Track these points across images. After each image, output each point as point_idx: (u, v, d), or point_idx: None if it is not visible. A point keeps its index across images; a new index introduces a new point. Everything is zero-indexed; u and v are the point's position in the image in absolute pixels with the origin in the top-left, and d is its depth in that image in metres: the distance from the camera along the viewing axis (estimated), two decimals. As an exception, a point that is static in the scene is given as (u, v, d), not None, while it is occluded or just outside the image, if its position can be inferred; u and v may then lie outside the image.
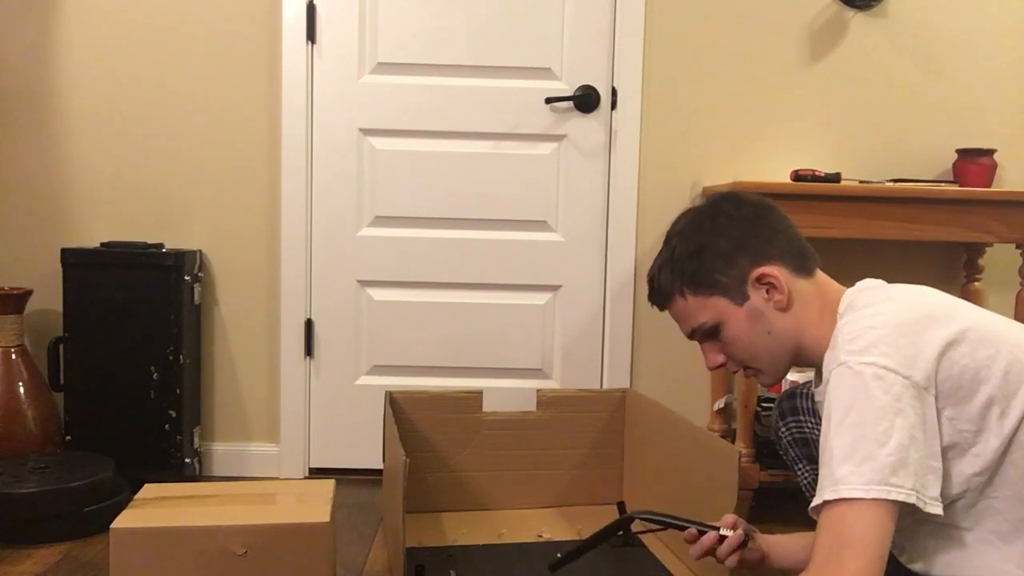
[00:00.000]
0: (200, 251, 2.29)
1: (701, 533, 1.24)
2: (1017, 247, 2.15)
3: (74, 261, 2.14)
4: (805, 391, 1.41)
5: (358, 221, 2.33)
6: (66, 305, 2.14)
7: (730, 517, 1.26)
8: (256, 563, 1.39)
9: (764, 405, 2.06)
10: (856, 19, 2.33)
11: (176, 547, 1.37)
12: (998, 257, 2.31)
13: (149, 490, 1.56)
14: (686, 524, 1.25)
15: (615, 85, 2.31)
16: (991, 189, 2.19)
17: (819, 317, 1.16)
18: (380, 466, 2.10)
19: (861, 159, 2.35)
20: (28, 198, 2.29)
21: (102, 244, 2.20)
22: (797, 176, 2.10)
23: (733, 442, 2.06)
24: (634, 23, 2.30)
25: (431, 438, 2.02)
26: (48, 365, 2.17)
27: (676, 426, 1.80)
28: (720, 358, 1.22)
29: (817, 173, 2.09)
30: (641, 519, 1.30)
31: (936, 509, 0.96)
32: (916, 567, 1.11)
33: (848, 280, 1.20)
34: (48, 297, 2.27)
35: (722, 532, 1.22)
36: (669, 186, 2.34)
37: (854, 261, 2.33)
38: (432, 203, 2.33)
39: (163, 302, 2.14)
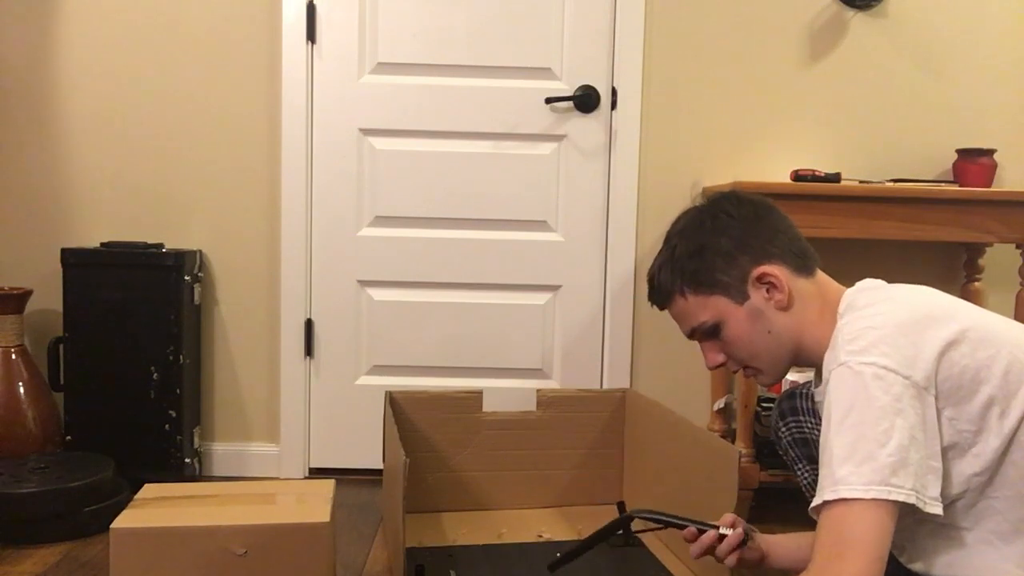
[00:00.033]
0: (200, 251, 2.29)
1: (700, 532, 1.24)
2: (1017, 247, 2.15)
3: (74, 261, 2.14)
4: (805, 391, 1.41)
5: (358, 221, 2.33)
6: (66, 305, 2.14)
7: (729, 516, 1.26)
8: (256, 563, 1.39)
9: (764, 405, 2.06)
10: (856, 19, 2.33)
11: (176, 547, 1.37)
12: (998, 257, 2.31)
13: (149, 490, 1.56)
14: (685, 523, 1.25)
15: (615, 85, 2.31)
16: (991, 189, 2.19)
17: (819, 317, 1.16)
18: (380, 466, 2.10)
19: (861, 159, 2.35)
20: (28, 198, 2.30)
21: (102, 244, 2.20)
22: (797, 176, 2.10)
23: (733, 442, 2.05)
24: (634, 23, 2.30)
25: (431, 438, 2.02)
26: (48, 365, 2.17)
27: (676, 426, 1.80)
28: (720, 357, 1.22)
29: (817, 173, 2.09)
30: (640, 518, 1.30)
31: (936, 509, 0.96)
32: (916, 567, 1.11)
33: (848, 280, 1.20)
34: (48, 297, 2.27)
35: (721, 531, 1.22)
36: (669, 186, 2.34)
37: (854, 261, 2.33)
38: (432, 203, 2.33)
39: (163, 302, 2.14)
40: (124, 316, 2.13)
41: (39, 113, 2.28)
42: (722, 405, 2.22)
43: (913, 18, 2.33)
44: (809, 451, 1.39)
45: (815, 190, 2.03)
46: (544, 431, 2.07)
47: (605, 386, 2.37)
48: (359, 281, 2.35)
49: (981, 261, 2.29)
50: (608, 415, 2.10)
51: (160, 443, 2.16)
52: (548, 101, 2.29)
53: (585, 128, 2.33)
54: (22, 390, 2.10)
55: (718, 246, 1.18)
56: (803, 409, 1.40)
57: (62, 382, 2.16)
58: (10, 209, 2.30)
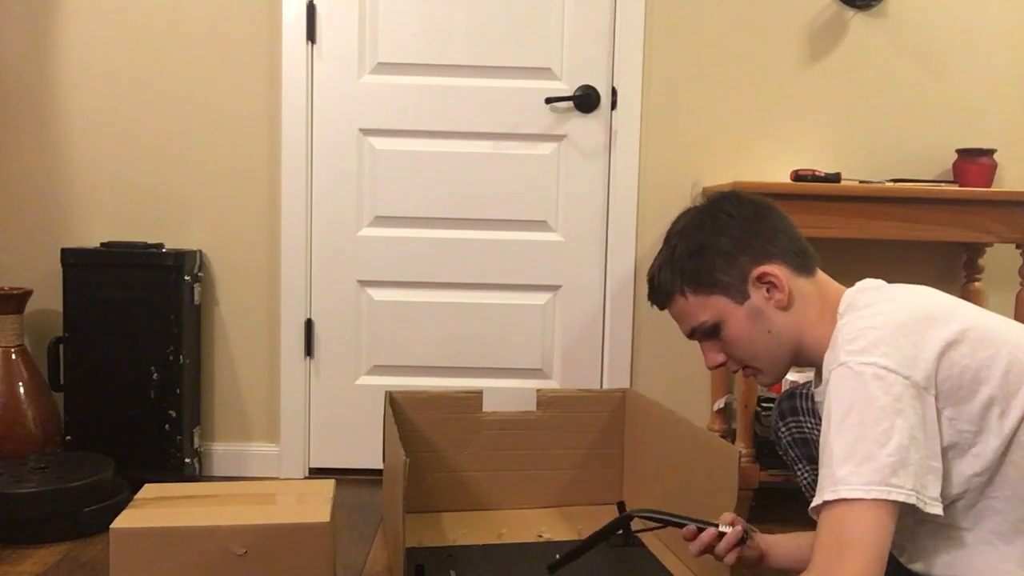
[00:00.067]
0: (200, 251, 2.29)
1: (700, 530, 1.24)
2: (1017, 247, 2.15)
3: (74, 261, 2.14)
4: (805, 391, 1.41)
5: (358, 221, 2.33)
6: (66, 305, 2.14)
7: (729, 515, 1.26)
8: (256, 563, 1.39)
9: (764, 405, 2.06)
10: (856, 19, 2.33)
11: (176, 547, 1.37)
12: (998, 257, 2.31)
13: (149, 490, 1.56)
14: (685, 521, 1.25)
15: (615, 85, 2.31)
16: (991, 189, 2.19)
17: (819, 317, 1.16)
18: (380, 466, 2.10)
19: (861, 159, 2.35)
20: (28, 198, 2.30)
21: (102, 244, 2.20)
22: (797, 176, 2.10)
23: (733, 442, 2.06)
24: (634, 23, 2.30)
25: (431, 438, 2.02)
26: (48, 365, 2.17)
27: (676, 426, 1.80)
28: (720, 357, 1.22)
29: (817, 173, 2.09)
30: (640, 517, 1.30)
31: (936, 509, 0.96)
32: (916, 567, 1.11)
33: (848, 280, 1.20)
34: (48, 297, 2.27)
35: (721, 529, 1.22)
36: (669, 186, 2.34)
37: (854, 261, 2.33)
38: (432, 203, 2.33)
39: (163, 302, 2.14)
40: (124, 316, 2.13)
41: (39, 113, 2.28)
42: (722, 405, 2.22)
43: (913, 18, 2.33)
44: (809, 451, 1.39)
45: (815, 190, 2.03)
46: (544, 431, 2.07)
47: (605, 386, 2.37)
48: (359, 281, 2.35)
49: (981, 261, 2.29)
50: (608, 415, 2.10)
51: (160, 443, 2.16)
52: (548, 101, 2.29)
53: (585, 128, 2.33)
54: (22, 390, 2.10)
55: (718, 246, 1.18)
56: (803, 409, 1.40)
57: (62, 382, 2.16)
58: (10, 209, 2.30)
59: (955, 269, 2.37)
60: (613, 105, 2.32)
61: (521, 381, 2.37)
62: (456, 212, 2.33)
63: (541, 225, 2.35)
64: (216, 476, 2.33)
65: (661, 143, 2.34)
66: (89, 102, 2.28)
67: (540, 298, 2.37)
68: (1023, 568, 1.02)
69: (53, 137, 2.29)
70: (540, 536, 1.89)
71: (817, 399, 1.25)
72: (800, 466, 1.42)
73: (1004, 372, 1.01)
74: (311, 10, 2.27)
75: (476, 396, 2.05)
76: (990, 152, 2.22)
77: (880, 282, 1.16)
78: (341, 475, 2.22)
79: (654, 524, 1.29)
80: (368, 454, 2.34)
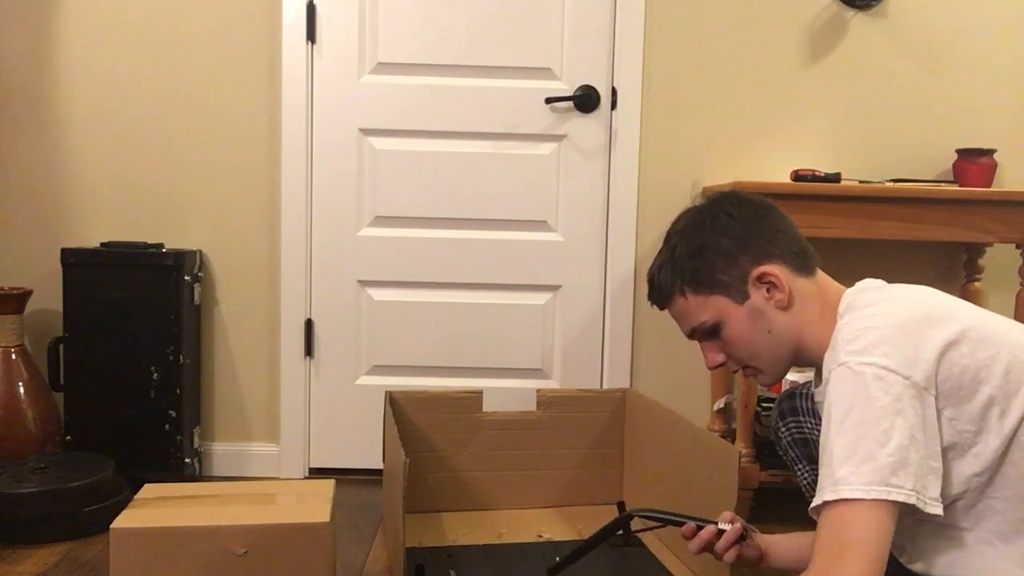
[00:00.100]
0: (200, 251, 2.29)
1: (699, 528, 1.24)
2: (1017, 247, 2.15)
3: (74, 261, 2.14)
4: (805, 391, 1.41)
5: (358, 221, 2.33)
6: (66, 305, 2.14)
7: (728, 514, 1.26)
8: (256, 563, 1.39)
9: (764, 405, 2.06)
10: (856, 19, 2.33)
11: (176, 547, 1.37)
12: (998, 257, 2.31)
13: (149, 490, 1.56)
14: (684, 520, 1.25)
15: (615, 85, 2.31)
16: (991, 189, 2.19)
17: (819, 317, 1.16)
18: (380, 466, 2.10)
19: (861, 159, 2.35)
20: (28, 198, 2.30)
21: (102, 244, 2.20)
22: (797, 176, 2.10)
23: (733, 442, 2.06)
24: (634, 23, 2.30)
25: (431, 438, 2.02)
26: (48, 365, 2.17)
27: (676, 426, 1.80)
28: (720, 357, 1.22)
29: (817, 173, 2.09)
30: (640, 516, 1.29)
31: (936, 509, 0.96)
32: (916, 567, 1.11)
33: (848, 280, 1.20)
34: (48, 297, 2.27)
35: (720, 526, 1.22)
36: (669, 186, 2.34)
37: (854, 261, 2.33)
38: (432, 203, 2.33)
39: (163, 302, 2.14)
40: (124, 316, 2.13)
41: (39, 113, 2.28)
42: (722, 405, 2.22)
43: (913, 18, 2.33)
44: (809, 451, 1.39)
45: (815, 190, 2.03)
46: (544, 431, 2.07)
47: (605, 386, 2.37)
48: (359, 281, 2.35)
49: (981, 261, 2.29)
50: (608, 415, 2.10)
51: (160, 443, 2.16)
52: (548, 101, 2.29)
53: (585, 128, 2.33)
54: (22, 390, 2.10)
55: (718, 246, 1.18)
56: (803, 409, 1.40)
57: (62, 382, 2.16)
58: (10, 209, 2.30)
59: (955, 269, 2.37)
60: (613, 105, 2.32)
61: (521, 381, 2.37)
62: (456, 212, 2.33)
63: (541, 225, 2.35)
64: (216, 476, 2.33)
65: (661, 143, 2.34)
66: (89, 102, 2.28)
67: (540, 298, 2.37)
68: (1023, 568, 1.02)
69: (53, 137, 2.29)
70: (540, 536, 1.89)
71: (817, 399, 1.25)
72: (800, 466, 1.42)
73: (1004, 372, 1.01)
74: (311, 10, 2.27)
75: (476, 396, 2.05)
76: (990, 152, 2.22)
77: (880, 282, 1.16)
78: (341, 475, 2.22)
79: (654, 524, 1.29)
80: (368, 454, 2.34)
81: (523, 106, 2.31)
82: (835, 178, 2.10)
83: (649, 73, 2.32)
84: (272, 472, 2.35)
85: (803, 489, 1.42)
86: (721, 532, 1.22)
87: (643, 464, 1.99)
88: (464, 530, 1.92)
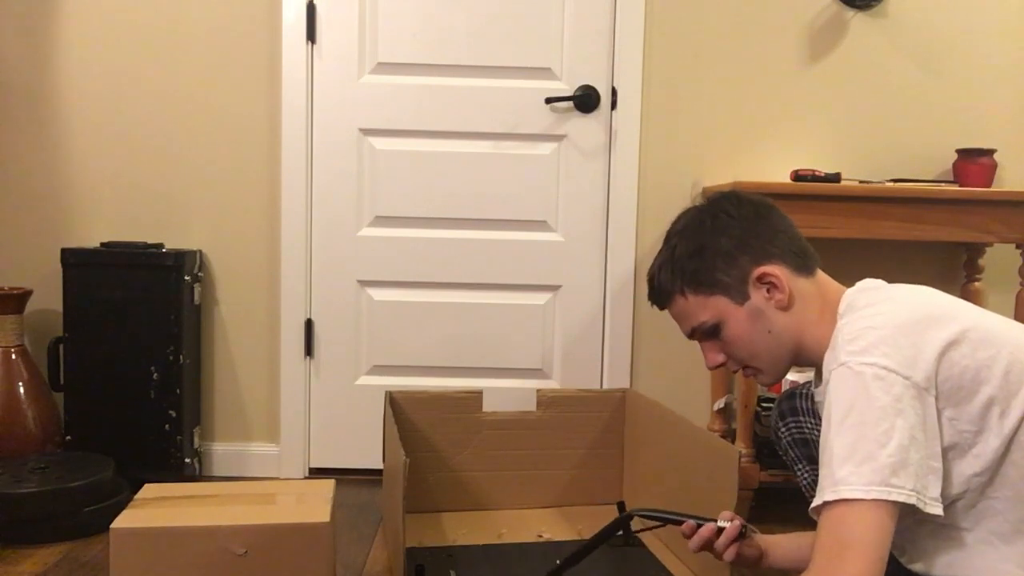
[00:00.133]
0: (200, 251, 2.29)
1: (699, 526, 1.24)
2: (1017, 247, 2.15)
3: (74, 261, 2.14)
4: (805, 391, 1.41)
5: (358, 221, 2.33)
6: (66, 305, 2.14)
7: (728, 512, 1.26)
8: (256, 563, 1.39)
9: (764, 405, 2.06)
10: (856, 19, 2.33)
11: (176, 547, 1.37)
12: (998, 257, 2.31)
13: (149, 490, 1.56)
14: (683, 519, 1.25)
15: (615, 85, 2.31)
16: (991, 189, 2.19)
17: (819, 317, 1.16)
18: (380, 466, 2.10)
19: (861, 159, 2.35)
20: (28, 198, 2.30)
21: (102, 244, 2.20)
22: (797, 176, 2.10)
23: (733, 442, 2.06)
24: (634, 23, 2.30)
25: (431, 438, 2.03)
26: (48, 365, 2.17)
27: (676, 426, 1.80)
28: (720, 357, 1.22)
29: (817, 173, 2.09)
30: (639, 516, 1.29)
31: (936, 510, 0.96)
32: (916, 567, 1.11)
33: (848, 280, 1.20)
34: (48, 297, 2.27)
35: (719, 524, 1.22)
36: (669, 186, 2.34)
37: (854, 261, 2.33)
38: (432, 203, 2.33)
39: (163, 302, 2.14)
40: (124, 316, 2.13)
41: (39, 113, 2.28)
42: (722, 405, 2.22)
43: (913, 18, 2.33)
44: (809, 451, 1.39)
45: (815, 190, 2.03)
46: (544, 431, 2.07)
47: (605, 386, 2.37)
48: (359, 281, 2.35)
49: (981, 261, 2.29)
50: (608, 415, 2.10)
51: (160, 443, 2.16)
52: (548, 101, 2.29)
53: (585, 128, 2.33)
54: (22, 390, 2.10)
55: (718, 246, 1.18)
56: (803, 409, 1.40)
57: (62, 382, 2.16)
58: (10, 209, 2.30)
59: (955, 269, 2.37)
60: (613, 105, 2.32)
61: (521, 381, 2.37)
62: (456, 212, 2.33)
63: (541, 225, 2.35)
64: (216, 476, 2.33)
65: (661, 143, 2.34)
66: (89, 102, 2.28)
67: (540, 298, 2.37)
68: (1023, 568, 1.02)
69: (53, 137, 2.29)
70: (540, 536, 1.89)
71: (817, 399, 1.25)
72: (800, 466, 1.42)
73: (1004, 372, 1.00)
74: (311, 10, 2.27)
75: (476, 396, 2.05)
76: (990, 152, 2.22)
77: (880, 282, 1.16)
78: (341, 475, 2.22)
79: (654, 523, 1.29)
80: (368, 454, 2.34)
81: (523, 106, 2.31)
82: (835, 178, 2.10)
83: (649, 73, 2.32)
84: (272, 472, 2.35)
85: (803, 489, 1.42)
86: (721, 530, 1.22)
87: (643, 464, 1.99)
88: (464, 530, 1.92)
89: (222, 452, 2.34)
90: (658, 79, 2.32)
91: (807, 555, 0.99)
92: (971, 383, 1.00)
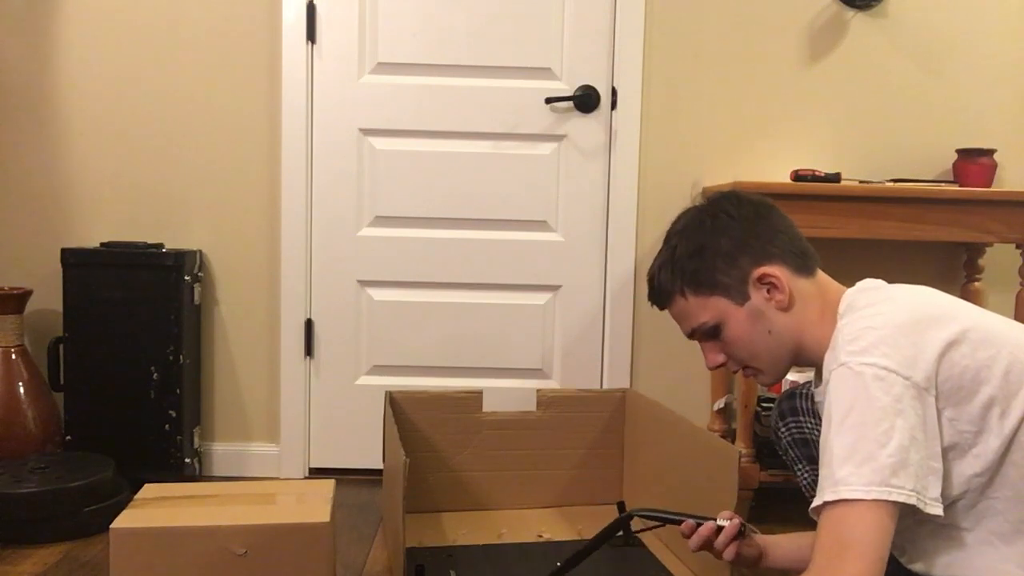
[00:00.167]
0: (200, 251, 2.29)
1: (698, 525, 1.23)
2: (1017, 247, 2.15)
3: (74, 261, 2.14)
4: (805, 391, 1.41)
5: (358, 221, 2.33)
6: (66, 305, 2.14)
7: (727, 512, 1.26)
8: (256, 563, 1.39)
9: (764, 405, 2.06)
10: (856, 19, 2.33)
11: (176, 547, 1.37)
12: (998, 257, 2.31)
13: (149, 490, 1.56)
14: (683, 518, 1.25)
15: (615, 85, 2.31)
16: (991, 189, 2.19)
17: (819, 317, 1.16)
18: (380, 466, 2.10)
19: (861, 159, 2.35)
20: (28, 198, 2.30)
21: (102, 244, 2.20)
22: (797, 176, 2.10)
23: (733, 442, 2.06)
24: (634, 23, 2.30)
25: (431, 438, 2.03)
26: (48, 365, 2.17)
27: (676, 426, 1.80)
28: (720, 358, 1.22)
29: (817, 173, 2.09)
30: (639, 516, 1.29)
31: (936, 510, 0.96)
32: (916, 568, 1.11)
33: (848, 280, 1.20)
34: (48, 297, 2.27)
35: (719, 522, 1.22)
36: (669, 186, 2.34)
37: (854, 261, 2.33)
38: (432, 203, 2.33)
39: (163, 302, 2.14)
40: (124, 316, 2.13)
41: (39, 113, 2.28)
42: (722, 405, 2.22)
43: (913, 18, 2.33)
44: (809, 451, 1.39)
45: (815, 190, 2.03)
46: (544, 431, 2.07)
47: (605, 386, 2.37)
48: (359, 281, 2.35)
49: (981, 261, 2.29)
50: (608, 415, 2.10)
51: (160, 443, 2.16)
52: (548, 101, 2.29)
53: (585, 128, 2.33)
54: (22, 390, 2.10)
55: (718, 246, 1.18)
56: (803, 409, 1.40)
57: (62, 382, 2.16)
58: (10, 209, 2.30)
59: (955, 269, 2.37)
60: (613, 105, 2.32)
61: (521, 381, 2.37)
62: (456, 212, 2.33)
63: (541, 225, 2.35)
64: (216, 476, 2.33)
65: (661, 143, 2.34)
66: (89, 102, 2.28)
67: (540, 298, 2.37)
68: (1023, 569, 1.02)
69: (53, 137, 2.29)
70: (540, 536, 1.89)
71: (817, 399, 1.25)
72: (800, 466, 1.42)
73: (1004, 372, 1.00)
74: (311, 10, 2.27)
75: (476, 396, 2.05)
76: (990, 152, 2.22)
77: (880, 282, 1.16)
78: (341, 475, 2.22)
79: (653, 523, 1.29)
80: (368, 454, 2.34)
81: (523, 106, 2.31)
82: (835, 178, 2.10)
83: (649, 73, 2.32)
84: (272, 472, 2.35)
85: (803, 489, 1.42)
86: (720, 529, 1.22)
87: (643, 464, 1.99)
88: (464, 530, 1.92)
89: (222, 452, 2.34)
90: (658, 79, 2.32)
91: (807, 555, 0.99)
92: (971, 383, 1.00)
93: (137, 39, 2.27)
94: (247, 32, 2.28)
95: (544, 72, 2.31)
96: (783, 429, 1.43)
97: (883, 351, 0.99)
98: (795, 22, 2.32)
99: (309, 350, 2.35)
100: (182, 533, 1.38)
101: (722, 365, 1.23)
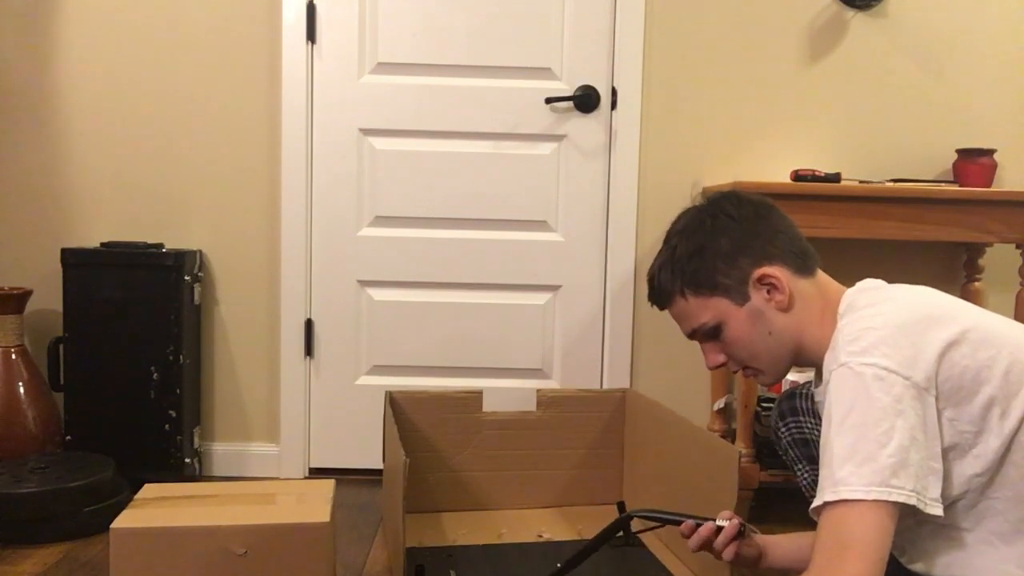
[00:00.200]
0: (200, 251, 2.29)
1: (698, 526, 1.23)
2: (1017, 247, 2.15)
3: (74, 261, 2.14)
4: (805, 391, 1.41)
5: (358, 221, 2.33)
6: (66, 305, 2.14)
7: (727, 512, 1.26)
8: (256, 563, 1.39)
9: (764, 405, 2.06)
10: (856, 19, 2.33)
11: (176, 547, 1.37)
12: (998, 257, 2.31)
13: (149, 490, 1.56)
14: (682, 519, 1.25)
15: (615, 85, 2.31)
16: (991, 189, 2.19)
17: (820, 317, 1.16)
18: (380, 466, 2.10)
19: (861, 159, 2.35)
20: (28, 198, 2.29)
21: (102, 244, 2.20)
22: (797, 176, 2.10)
23: (733, 442, 2.06)
24: (634, 23, 2.30)
25: (431, 438, 2.03)
26: (48, 365, 2.17)
27: (676, 426, 1.80)
28: (720, 358, 1.22)
29: (817, 173, 2.09)
30: (638, 517, 1.29)
31: (937, 510, 0.96)
32: (916, 568, 1.11)
33: (848, 280, 1.20)
34: (48, 297, 2.27)
35: (718, 522, 1.22)
36: (669, 186, 2.34)
37: (854, 261, 2.33)
38: (432, 203, 2.33)
39: (163, 302, 2.14)
40: (124, 316, 2.13)
41: (39, 113, 2.28)
42: (722, 405, 2.22)
43: (913, 18, 2.33)
44: (809, 451, 1.39)
45: (815, 190, 2.03)
46: (544, 431, 2.07)
47: (605, 386, 2.37)
48: (359, 281, 2.35)
49: (981, 261, 2.29)
50: (608, 415, 2.10)
51: (160, 443, 2.16)
52: (548, 101, 2.29)
53: (585, 128, 2.33)
54: (22, 390, 2.10)
55: (718, 247, 1.17)
56: (803, 409, 1.40)
57: (62, 382, 2.16)
58: (10, 209, 2.30)
59: (955, 269, 2.37)
60: (613, 105, 2.32)
61: (521, 381, 2.37)
62: (456, 212, 2.33)
63: (541, 225, 2.35)
64: (216, 476, 2.33)
65: (661, 143, 2.34)
66: (89, 102, 2.28)
67: (540, 298, 2.37)
68: (1023, 569, 1.02)
69: (53, 137, 2.29)
70: (540, 536, 1.89)
71: (817, 399, 1.25)
72: (800, 466, 1.42)
73: (1005, 372, 1.00)
74: (311, 10, 2.27)
75: (476, 396, 2.05)
76: (990, 152, 2.22)
77: (880, 282, 1.16)
78: (341, 475, 2.22)
79: (653, 524, 1.29)
80: (368, 454, 2.34)
81: (523, 106, 2.31)
82: (835, 178, 2.10)
83: (649, 73, 2.32)
84: (272, 472, 2.35)
85: (803, 489, 1.42)
86: (720, 529, 1.22)
87: (643, 464, 1.99)
88: (464, 530, 1.92)
89: (222, 452, 2.34)
90: (658, 79, 2.32)
91: (807, 555, 0.99)
92: (971, 383, 1.00)
93: (137, 39, 2.27)
94: (247, 32, 2.28)
95: (544, 72, 2.31)
96: (783, 429, 1.43)
97: (883, 351, 0.99)
98: (795, 22, 2.32)
99: (309, 350, 2.35)
100: (182, 533, 1.38)
101: (722, 365, 1.23)
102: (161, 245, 2.23)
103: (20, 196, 2.29)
